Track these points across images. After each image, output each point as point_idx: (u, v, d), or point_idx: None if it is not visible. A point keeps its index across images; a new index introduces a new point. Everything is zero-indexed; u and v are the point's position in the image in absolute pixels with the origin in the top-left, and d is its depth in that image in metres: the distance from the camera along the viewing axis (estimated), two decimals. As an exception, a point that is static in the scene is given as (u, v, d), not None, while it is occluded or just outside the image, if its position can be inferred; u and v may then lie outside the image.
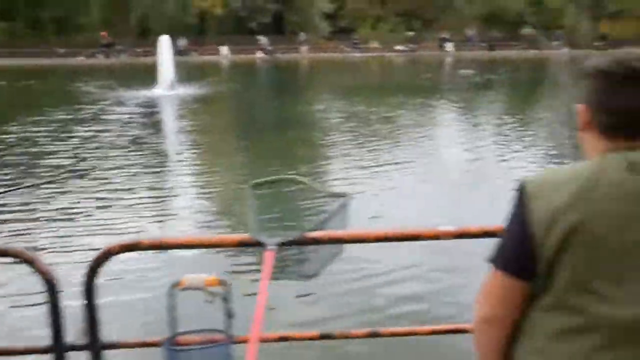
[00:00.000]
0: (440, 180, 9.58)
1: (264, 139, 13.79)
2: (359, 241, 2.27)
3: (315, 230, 2.27)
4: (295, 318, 4.42)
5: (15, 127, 15.06)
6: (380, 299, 4.94)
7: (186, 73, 30.15)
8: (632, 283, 1.36)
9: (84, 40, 49.74)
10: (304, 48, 48.55)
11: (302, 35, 49.22)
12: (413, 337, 2.33)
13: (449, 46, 49.62)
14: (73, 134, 14.06)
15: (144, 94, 22.64)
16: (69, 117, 17.10)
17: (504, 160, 11.21)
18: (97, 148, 12.36)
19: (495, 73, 32.91)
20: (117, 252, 2.13)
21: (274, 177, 2.65)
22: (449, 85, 26.48)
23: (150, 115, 17.92)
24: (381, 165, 10.48)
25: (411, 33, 51.94)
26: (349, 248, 2.33)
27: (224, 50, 47.70)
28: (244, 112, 19.56)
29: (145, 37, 45.86)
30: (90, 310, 2.12)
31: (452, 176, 9.85)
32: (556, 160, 10.83)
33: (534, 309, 1.45)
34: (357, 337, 2.38)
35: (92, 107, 19.17)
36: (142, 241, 2.19)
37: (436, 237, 2.24)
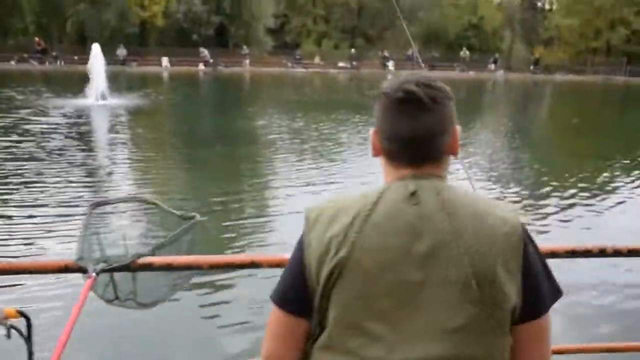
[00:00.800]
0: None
1: (199, 153, 13.50)
2: (193, 268, 2.15)
3: (147, 255, 2.14)
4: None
5: None
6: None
7: (123, 83, 29.44)
8: (407, 324, 1.23)
9: (16, 45, 48.02)
10: (246, 61, 48.32)
11: (245, 49, 49.00)
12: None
13: (391, 64, 50.45)
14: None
15: (73, 102, 21.92)
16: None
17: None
18: (12, 160, 11.79)
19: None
20: None
21: (121, 197, 2.50)
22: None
23: (75, 125, 17.28)
24: (314, 185, 10.36)
25: (354, 50, 52.56)
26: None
27: (165, 61, 46.92)
28: (179, 124, 19.17)
29: (83, 45, 44.60)
30: None
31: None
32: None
33: (312, 348, 1.35)
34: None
35: (14, 114, 18.39)
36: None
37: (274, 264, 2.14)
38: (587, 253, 2.29)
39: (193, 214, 2.42)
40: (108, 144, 15.12)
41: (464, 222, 1.23)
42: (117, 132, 16.88)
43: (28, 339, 1.87)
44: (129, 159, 12.90)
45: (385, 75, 46.80)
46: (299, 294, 1.31)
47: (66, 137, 14.98)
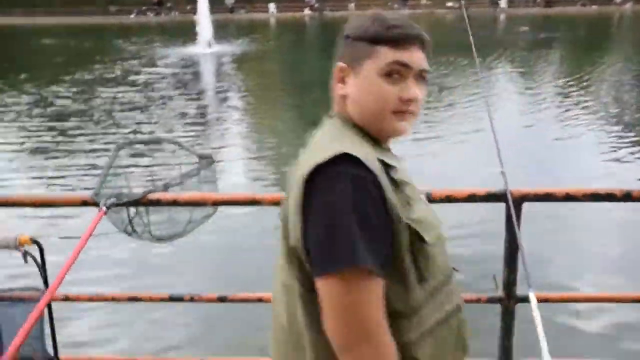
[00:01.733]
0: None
1: (300, 99, 13.65)
2: (198, 204, 2.27)
3: (157, 191, 2.28)
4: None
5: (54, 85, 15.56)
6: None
7: (231, 30, 30.15)
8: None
9: (136, -1, 50.48)
10: (352, 5, 47.62)
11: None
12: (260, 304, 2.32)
13: (502, 2, 47.61)
14: (97, 93, 14.40)
15: (181, 51, 22.87)
16: (98, 75, 17.52)
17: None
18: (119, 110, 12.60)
19: (553, 31, 31.36)
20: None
21: (145, 138, 2.66)
22: (506, 44, 24.99)
23: (179, 74, 18.05)
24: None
25: (464, -12, 50.04)
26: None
27: (272, 7, 47.38)
28: (283, 71, 19.40)
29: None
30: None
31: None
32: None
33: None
34: (208, 301, 2.39)
35: (124, 64, 19.55)
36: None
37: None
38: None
39: (209, 153, 2.52)
40: (210, 92, 15.68)
41: (303, 154, 1.27)
42: (221, 80, 17.43)
43: (42, 264, 2.08)
44: (229, 106, 13.32)
45: (497, 15, 44.35)
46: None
47: (170, 85, 15.73)
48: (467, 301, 2.39)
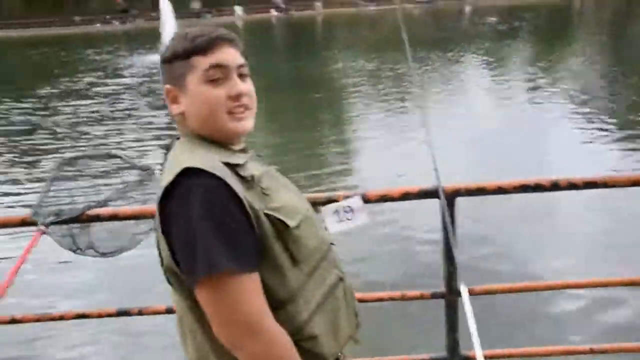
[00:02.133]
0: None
1: (272, 100, 13.59)
2: (139, 217, 2.27)
3: (97, 207, 2.28)
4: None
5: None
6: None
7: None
8: None
9: (99, 8, 49.93)
10: (318, 4, 47.71)
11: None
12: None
13: (469, -5, 48.05)
14: (59, 108, 14.20)
15: (146, 59, 22.69)
16: (66, 87, 17.30)
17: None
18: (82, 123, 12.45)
19: (519, 20, 31.79)
20: None
21: (87, 153, 2.66)
22: (476, 37, 25.17)
23: (144, 83, 17.86)
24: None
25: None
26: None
27: (238, 10, 47.24)
28: (252, 72, 19.24)
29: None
30: None
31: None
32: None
33: None
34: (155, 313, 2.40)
35: (87, 75, 19.34)
36: None
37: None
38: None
39: (148, 165, 2.53)
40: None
41: (162, 181, 1.30)
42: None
43: (-21, 287, 2.08)
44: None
45: (462, 7, 44.80)
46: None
47: (135, 95, 15.57)
48: (412, 298, 2.46)
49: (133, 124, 12.04)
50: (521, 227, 5.57)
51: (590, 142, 8.60)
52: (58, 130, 11.72)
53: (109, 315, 2.40)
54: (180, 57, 1.35)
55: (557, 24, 31.54)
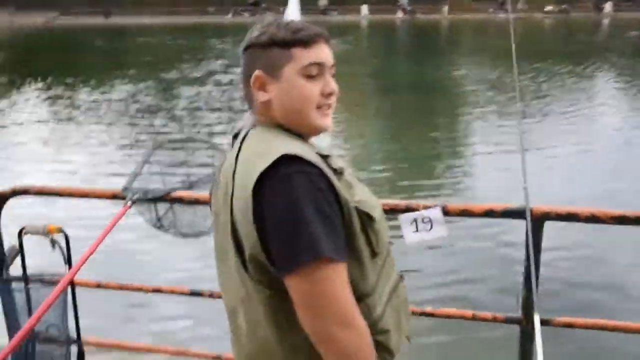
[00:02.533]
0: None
1: (389, 103, 13.60)
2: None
3: (181, 189, 2.38)
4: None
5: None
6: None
7: (322, 32, 30.36)
8: (221, 260, 1.41)
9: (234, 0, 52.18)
10: (444, 9, 46.79)
11: (447, -6, 47.39)
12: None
13: (607, 6, 45.08)
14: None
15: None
16: (188, 72, 18.18)
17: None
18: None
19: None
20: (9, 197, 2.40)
21: (180, 138, 2.77)
22: (612, 51, 23.32)
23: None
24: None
25: (565, -8, 47.91)
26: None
27: (364, 9, 47.44)
28: (372, 73, 19.32)
29: (291, -4, 46.96)
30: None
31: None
32: None
33: None
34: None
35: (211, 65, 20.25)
36: (31, 187, 2.43)
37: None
38: None
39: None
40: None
41: (240, 166, 1.29)
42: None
43: (67, 251, 2.23)
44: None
45: (600, 19, 42.12)
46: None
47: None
48: (483, 319, 2.34)
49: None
50: (617, 261, 5.14)
51: None
52: (176, 113, 12.39)
53: (182, 293, 2.49)
54: (279, 45, 1.34)
55: None
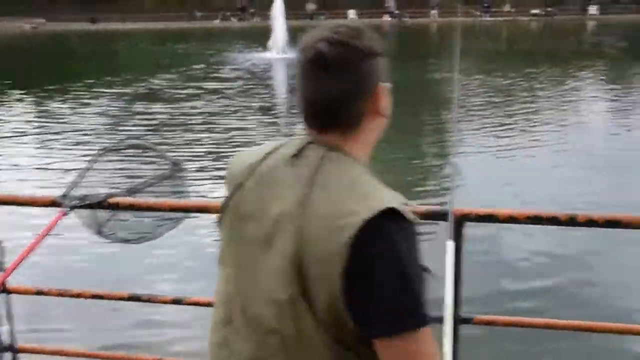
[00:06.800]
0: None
1: None
2: (154, 209, 2.37)
3: (120, 196, 2.41)
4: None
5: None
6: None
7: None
8: (248, 279, 1.26)
9: (221, 4, 52.23)
10: (433, 12, 47.07)
11: (434, -1, 47.71)
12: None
13: (593, 9, 45.47)
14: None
15: (255, 56, 23.44)
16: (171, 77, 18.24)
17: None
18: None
19: None
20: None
21: (126, 143, 2.81)
22: (596, 54, 23.50)
23: (249, 79, 18.41)
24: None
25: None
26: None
27: (351, 13, 47.64)
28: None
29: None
30: None
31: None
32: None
33: None
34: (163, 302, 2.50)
35: (198, 67, 20.24)
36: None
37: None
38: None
39: (178, 161, 2.63)
40: (277, 95, 15.97)
41: (319, 198, 1.14)
42: (290, 84, 17.71)
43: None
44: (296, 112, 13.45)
45: (587, 22, 42.42)
46: None
47: (235, 92, 16.08)
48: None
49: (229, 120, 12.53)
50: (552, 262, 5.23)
51: None
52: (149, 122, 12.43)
53: (121, 298, 2.53)
54: (380, 55, 1.24)
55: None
